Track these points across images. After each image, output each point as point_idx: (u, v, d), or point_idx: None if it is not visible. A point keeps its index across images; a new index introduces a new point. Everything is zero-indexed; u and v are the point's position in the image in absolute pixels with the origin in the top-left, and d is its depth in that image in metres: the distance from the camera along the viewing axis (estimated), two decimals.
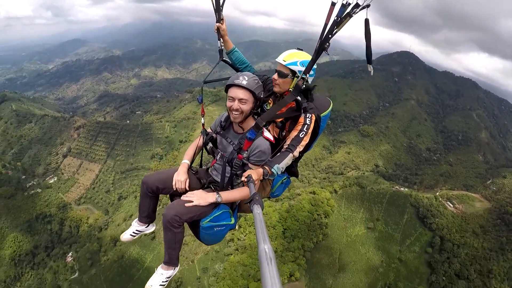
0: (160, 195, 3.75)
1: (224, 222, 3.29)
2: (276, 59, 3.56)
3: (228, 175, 3.41)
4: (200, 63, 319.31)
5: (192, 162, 3.72)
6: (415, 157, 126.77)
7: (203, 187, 3.65)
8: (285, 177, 3.81)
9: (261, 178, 3.25)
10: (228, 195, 3.25)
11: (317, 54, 3.03)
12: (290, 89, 3.53)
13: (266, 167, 3.26)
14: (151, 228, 3.94)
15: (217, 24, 3.92)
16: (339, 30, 2.76)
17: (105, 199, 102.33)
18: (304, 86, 3.31)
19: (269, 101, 3.82)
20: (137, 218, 3.89)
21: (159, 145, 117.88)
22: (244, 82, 3.17)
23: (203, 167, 3.97)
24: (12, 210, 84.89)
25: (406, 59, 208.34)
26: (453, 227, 76.17)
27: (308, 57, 3.46)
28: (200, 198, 3.13)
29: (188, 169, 3.61)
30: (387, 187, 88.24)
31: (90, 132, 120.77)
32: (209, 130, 3.81)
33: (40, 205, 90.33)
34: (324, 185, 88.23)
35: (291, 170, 3.79)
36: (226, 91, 3.32)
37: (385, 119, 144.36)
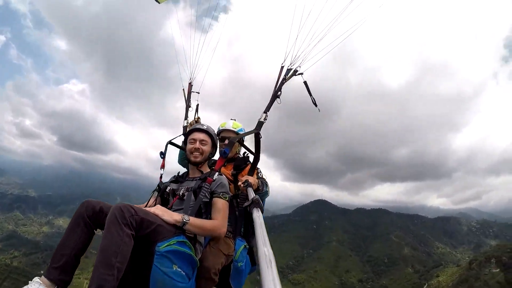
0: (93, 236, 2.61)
1: (187, 251, 2.55)
2: (223, 128, 4.26)
3: (193, 208, 2.94)
4: None
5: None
6: None
7: None
8: (245, 243, 3.49)
9: (256, 186, 3.51)
10: (197, 221, 2.76)
11: (273, 99, 3.83)
12: (236, 153, 4.25)
13: (260, 181, 3.67)
14: None
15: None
16: (286, 81, 3.90)
17: None
18: (265, 121, 3.77)
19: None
20: (41, 276, 2.35)
21: None
22: (205, 127, 3.47)
23: None
24: None
25: (320, 206, 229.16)
26: None
27: (241, 126, 4.34)
28: (165, 211, 2.65)
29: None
30: None
31: None
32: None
33: None
34: None
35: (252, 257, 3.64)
36: (186, 138, 3.52)
37: (312, 264, 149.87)
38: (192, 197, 3.08)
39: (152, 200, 3.36)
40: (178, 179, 3.49)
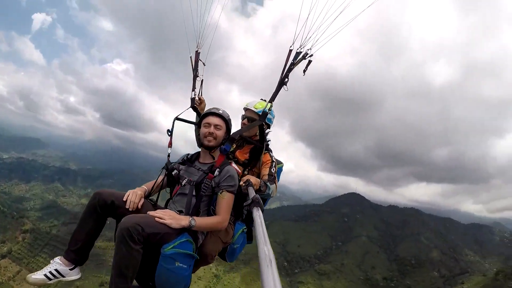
0: (106, 221, 2.99)
1: (188, 252, 2.73)
2: (246, 106, 4.13)
3: (194, 203, 3.05)
4: (154, 196, 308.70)
5: (150, 193, 3.28)
6: None
7: None
8: (245, 227, 3.59)
9: (258, 187, 3.43)
10: (202, 221, 2.91)
11: (279, 86, 3.52)
12: (256, 134, 4.03)
13: (262, 181, 3.57)
14: (75, 275, 2.93)
15: (200, 97, 4.12)
16: (295, 67, 3.52)
17: None
18: (269, 112, 3.62)
19: (232, 146, 3.94)
20: (61, 256, 2.91)
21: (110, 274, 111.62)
22: (220, 111, 3.35)
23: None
24: None
25: (353, 200, 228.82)
26: None
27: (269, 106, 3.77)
28: (172, 218, 2.72)
29: (145, 195, 3.13)
30: None
31: (37, 240, 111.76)
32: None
33: None
34: None
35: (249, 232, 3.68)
36: (201, 121, 3.40)
37: (339, 257, 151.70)
38: (194, 191, 3.12)
39: (160, 178, 3.37)
40: (186, 161, 3.45)
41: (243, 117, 4.17)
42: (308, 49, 3.47)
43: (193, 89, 4.13)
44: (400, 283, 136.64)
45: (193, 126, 4.16)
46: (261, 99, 4.17)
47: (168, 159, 3.47)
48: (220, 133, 3.32)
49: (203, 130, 3.32)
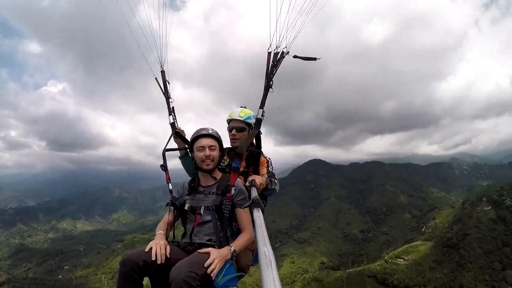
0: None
1: (235, 275, 2.81)
2: (230, 118, 4.05)
3: (220, 228, 3.11)
4: (120, 212, 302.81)
5: (167, 236, 3.25)
6: (353, 242, 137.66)
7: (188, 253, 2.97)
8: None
9: (264, 186, 3.53)
10: (239, 244, 2.95)
11: (266, 90, 3.56)
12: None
13: (268, 179, 3.67)
14: None
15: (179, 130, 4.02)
16: (277, 69, 3.59)
17: None
18: (263, 118, 3.60)
19: (225, 158, 3.94)
20: None
21: None
22: (210, 131, 3.27)
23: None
24: None
25: (315, 166, 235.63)
26: (412, 273, 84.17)
27: (252, 112, 4.05)
28: (217, 257, 2.68)
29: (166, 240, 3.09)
30: (341, 274, 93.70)
31: None
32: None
33: None
34: None
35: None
36: (192, 145, 3.32)
37: (314, 222, 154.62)
38: (216, 216, 3.13)
39: (168, 216, 3.33)
40: (191, 190, 3.35)
41: (230, 128, 4.05)
42: (283, 48, 3.55)
43: (170, 113, 4.08)
44: (377, 232, 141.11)
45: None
46: (241, 107, 4.16)
47: (171, 194, 3.46)
48: (216, 153, 3.27)
49: (198, 154, 3.25)
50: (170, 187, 3.47)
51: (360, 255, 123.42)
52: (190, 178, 3.52)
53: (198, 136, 3.24)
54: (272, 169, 3.97)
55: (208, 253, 2.67)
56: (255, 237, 1.91)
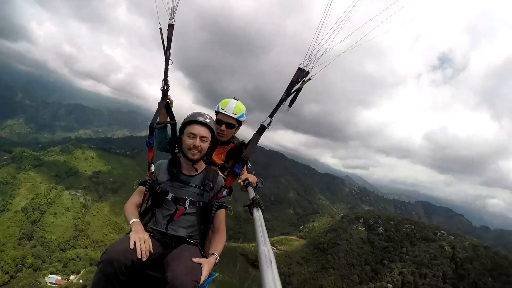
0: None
1: (214, 276, 2.85)
2: (223, 112, 3.69)
3: (202, 226, 3.01)
4: (16, 120, 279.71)
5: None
6: (236, 219, 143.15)
7: (166, 247, 2.89)
8: None
9: (255, 185, 3.42)
10: (219, 249, 2.89)
11: (281, 102, 3.31)
12: (232, 136, 3.88)
13: (258, 178, 3.57)
14: None
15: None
16: (299, 92, 3.31)
17: None
18: (268, 127, 3.41)
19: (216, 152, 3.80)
20: None
21: None
22: (207, 120, 2.99)
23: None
24: None
25: None
26: (281, 263, 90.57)
27: (244, 108, 3.83)
28: (208, 270, 2.63)
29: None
30: None
31: None
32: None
33: None
34: None
35: None
36: (183, 128, 3.03)
37: None
38: (200, 212, 3.00)
39: (139, 199, 3.06)
40: (172, 176, 3.07)
41: (220, 123, 3.73)
42: (310, 68, 3.21)
43: (165, 78, 3.29)
44: None
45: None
46: (234, 98, 3.84)
47: (150, 175, 3.10)
48: (206, 145, 3.02)
49: (187, 141, 2.97)
50: (153, 168, 3.11)
51: (238, 232, 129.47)
52: (167, 159, 3.25)
53: (192, 121, 2.98)
54: (251, 167, 3.91)
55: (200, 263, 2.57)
56: (256, 237, 1.85)
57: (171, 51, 3.28)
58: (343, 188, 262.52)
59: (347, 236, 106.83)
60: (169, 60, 3.29)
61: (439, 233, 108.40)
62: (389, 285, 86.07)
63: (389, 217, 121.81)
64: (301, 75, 3.21)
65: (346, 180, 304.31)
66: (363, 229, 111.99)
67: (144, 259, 2.44)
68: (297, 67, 3.22)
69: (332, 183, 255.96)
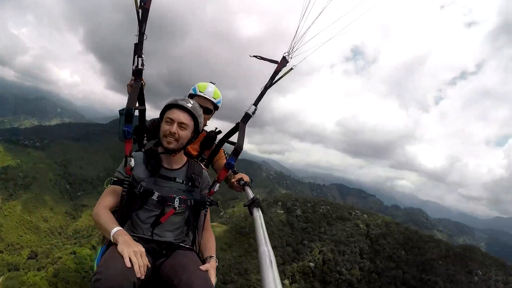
0: None
1: None
2: (202, 94, 3.45)
3: (194, 225, 2.70)
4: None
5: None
6: None
7: (155, 256, 2.40)
8: None
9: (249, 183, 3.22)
10: (215, 251, 2.72)
11: (265, 90, 3.29)
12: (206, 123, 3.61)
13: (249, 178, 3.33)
14: None
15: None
16: (281, 78, 3.33)
17: None
18: (253, 116, 3.29)
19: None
20: None
21: None
22: (189, 105, 2.50)
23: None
24: None
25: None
26: None
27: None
28: (214, 271, 2.40)
29: None
30: None
31: None
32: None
33: None
34: (82, 244, 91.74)
35: None
36: (163, 113, 2.56)
37: None
38: (192, 212, 2.66)
39: (113, 200, 2.51)
40: (154, 171, 2.55)
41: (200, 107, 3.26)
42: (290, 58, 3.30)
43: (140, 55, 2.65)
44: None
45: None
46: (212, 83, 3.61)
47: (129, 173, 2.44)
48: (185, 134, 2.53)
49: (164, 126, 2.52)
50: (132, 163, 2.40)
51: None
52: (143, 150, 2.76)
53: (172, 105, 2.52)
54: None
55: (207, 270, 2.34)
56: (256, 237, 1.76)
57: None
58: (261, 173, 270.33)
59: (267, 219, 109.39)
60: (143, 35, 2.60)
61: (353, 213, 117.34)
62: (311, 263, 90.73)
63: (306, 200, 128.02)
64: (284, 64, 3.26)
65: (263, 165, 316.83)
66: (282, 212, 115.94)
67: (143, 277, 1.96)
68: (282, 57, 3.26)
69: (249, 168, 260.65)
